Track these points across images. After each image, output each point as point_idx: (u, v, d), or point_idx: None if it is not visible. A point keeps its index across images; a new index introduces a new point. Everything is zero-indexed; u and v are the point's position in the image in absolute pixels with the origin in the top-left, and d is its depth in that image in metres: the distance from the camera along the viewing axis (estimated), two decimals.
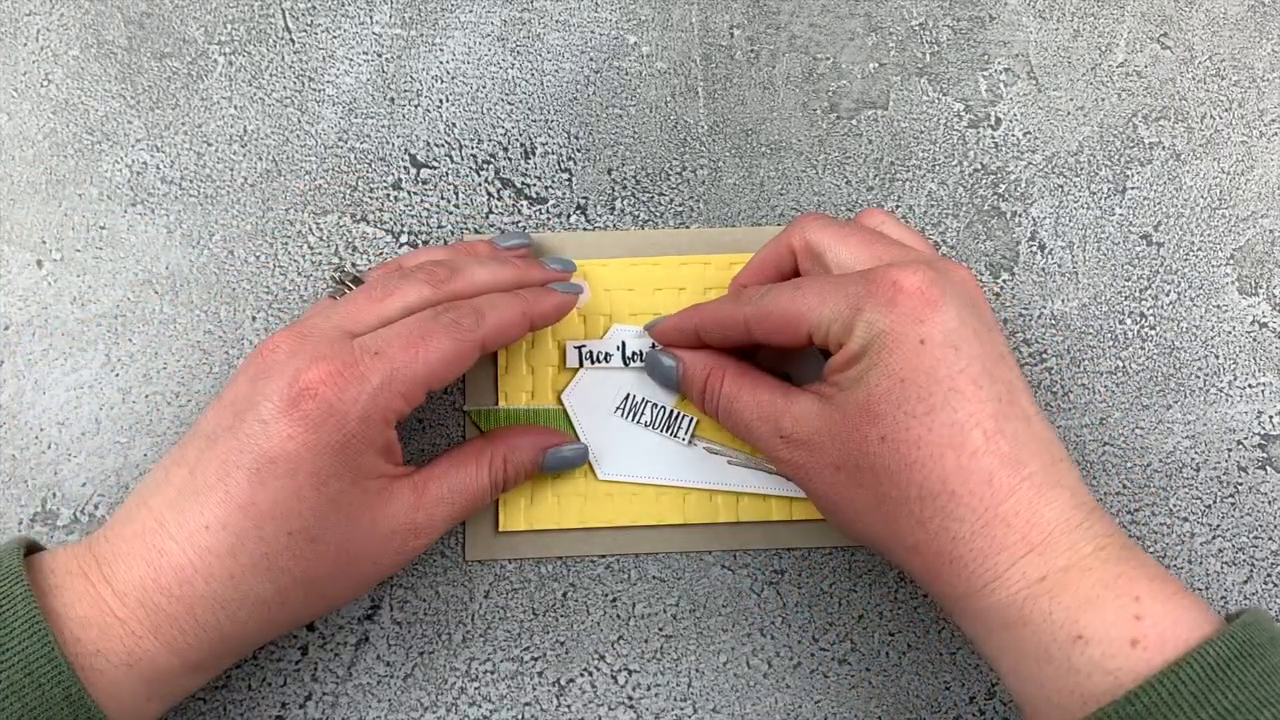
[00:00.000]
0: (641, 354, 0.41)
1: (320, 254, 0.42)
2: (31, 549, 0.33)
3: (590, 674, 0.40)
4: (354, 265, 0.42)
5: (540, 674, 0.40)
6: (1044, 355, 0.43)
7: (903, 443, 0.30)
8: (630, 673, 0.40)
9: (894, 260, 0.33)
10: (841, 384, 0.32)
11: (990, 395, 0.31)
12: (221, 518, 0.31)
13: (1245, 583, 0.41)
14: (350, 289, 0.37)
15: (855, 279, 0.33)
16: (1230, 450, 0.42)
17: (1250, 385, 0.42)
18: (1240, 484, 0.42)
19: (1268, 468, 0.42)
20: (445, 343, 0.33)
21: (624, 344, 0.41)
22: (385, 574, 0.35)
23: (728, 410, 0.36)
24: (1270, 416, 0.42)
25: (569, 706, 0.39)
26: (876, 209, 0.38)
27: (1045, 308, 0.43)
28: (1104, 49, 0.45)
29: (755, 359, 0.39)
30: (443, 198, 0.43)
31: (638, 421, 0.41)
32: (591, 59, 0.45)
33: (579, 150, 0.44)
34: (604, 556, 0.40)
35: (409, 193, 0.43)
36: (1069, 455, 0.32)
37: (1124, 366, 0.42)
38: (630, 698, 0.39)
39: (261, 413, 0.31)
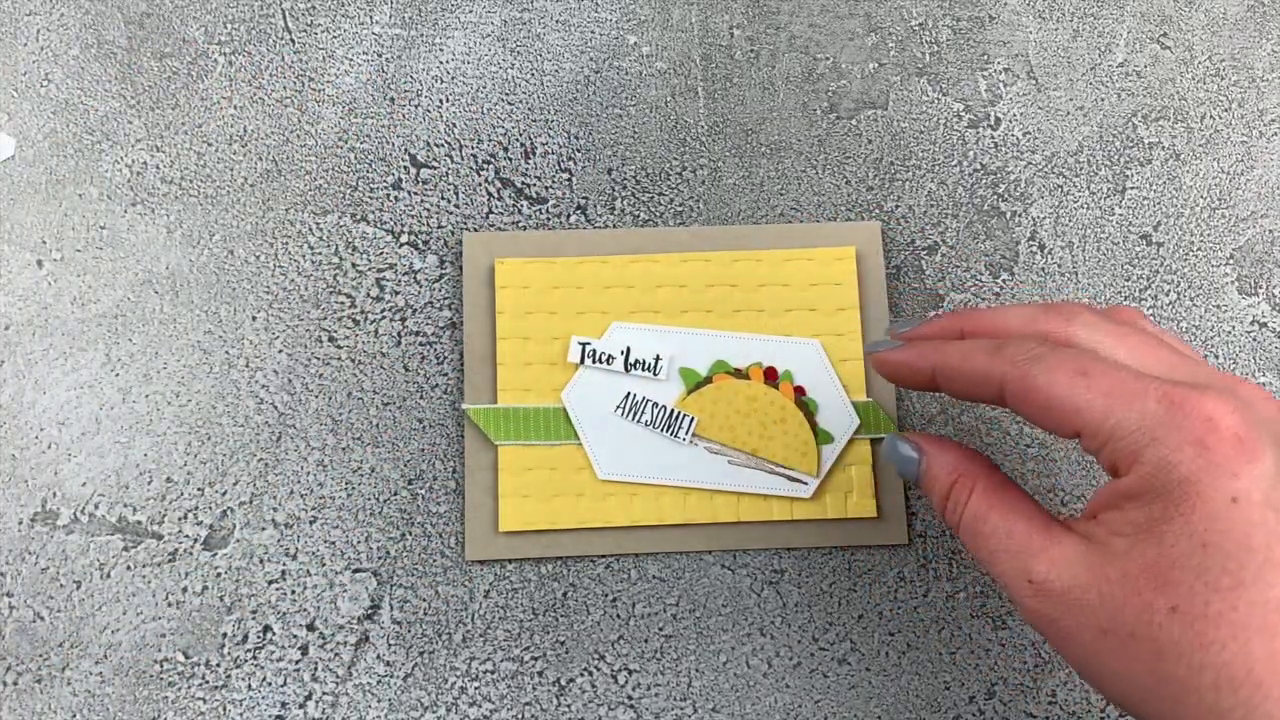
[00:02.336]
0: (644, 363, 0.41)
1: (320, 254, 0.42)
2: None
3: (590, 674, 0.40)
4: None
5: (540, 674, 0.40)
6: None
7: (1199, 618, 0.25)
8: (630, 672, 0.40)
9: (1195, 380, 0.28)
10: (1118, 528, 0.27)
11: None
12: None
13: None
14: None
15: (1152, 394, 0.27)
16: None
17: None
18: None
19: None
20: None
21: (628, 349, 0.41)
22: None
23: (971, 531, 0.31)
24: None
25: (569, 706, 0.39)
26: (1129, 307, 0.33)
27: None
28: (1104, 49, 0.45)
29: None
30: (443, 198, 0.43)
31: (638, 421, 0.41)
32: (591, 59, 0.45)
33: (579, 150, 0.44)
34: (604, 556, 0.40)
35: (409, 193, 0.43)
36: None
37: None
38: (630, 697, 0.39)
39: None
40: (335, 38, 0.44)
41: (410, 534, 0.40)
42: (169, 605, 0.39)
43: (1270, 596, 0.25)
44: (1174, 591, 0.26)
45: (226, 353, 0.41)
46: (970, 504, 0.31)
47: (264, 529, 0.40)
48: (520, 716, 0.39)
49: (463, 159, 0.43)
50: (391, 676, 0.39)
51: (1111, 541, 0.27)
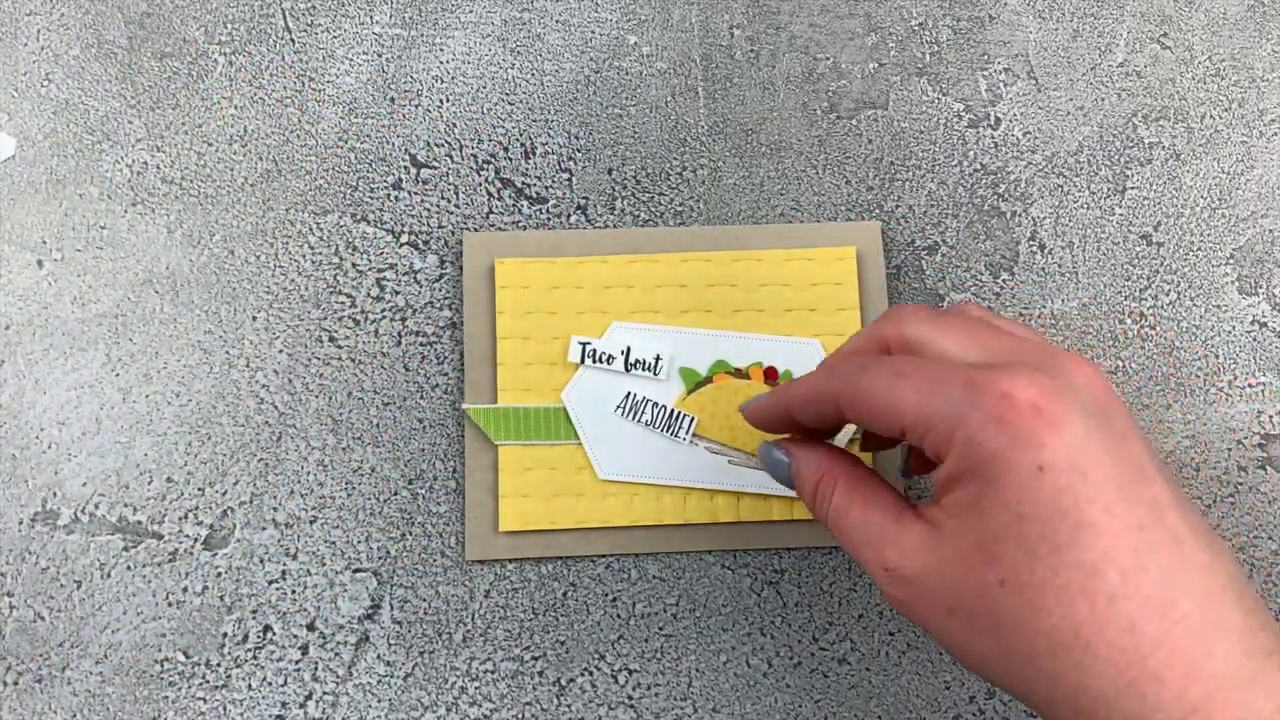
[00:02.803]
0: (644, 363, 0.41)
1: (320, 254, 0.42)
2: None
3: (590, 674, 0.40)
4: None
5: (540, 674, 0.40)
6: None
7: (1026, 587, 0.26)
8: (630, 672, 0.40)
9: (1002, 360, 0.29)
10: (951, 510, 0.28)
11: (1128, 523, 0.26)
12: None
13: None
14: None
15: (957, 380, 0.28)
16: (1230, 450, 0.42)
17: (1250, 385, 0.42)
18: (1240, 484, 0.42)
19: (1268, 468, 0.42)
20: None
21: (628, 349, 0.41)
22: None
23: (835, 525, 0.32)
24: (1270, 416, 0.42)
25: (569, 706, 0.39)
26: (972, 303, 0.33)
27: (1045, 308, 0.43)
28: (1104, 49, 0.45)
29: None
30: (443, 198, 0.43)
31: (638, 421, 0.41)
32: (591, 59, 0.45)
33: (579, 150, 0.44)
34: (604, 556, 0.40)
35: (409, 193, 0.43)
36: (1241, 573, 0.27)
37: (1124, 366, 0.42)
38: (630, 697, 0.39)
39: None
40: (335, 38, 0.44)
41: (410, 534, 0.40)
42: (169, 605, 0.39)
43: (1086, 559, 0.26)
44: (1000, 564, 0.27)
45: (227, 353, 0.41)
46: (834, 501, 0.32)
47: (264, 529, 0.40)
48: (520, 716, 0.39)
49: (463, 159, 0.43)
50: (391, 676, 0.39)
51: (947, 523, 0.28)
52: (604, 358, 0.41)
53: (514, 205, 0.43)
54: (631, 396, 0.41)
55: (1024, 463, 0.26)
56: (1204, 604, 0.26)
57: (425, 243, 0.43)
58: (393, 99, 0.44)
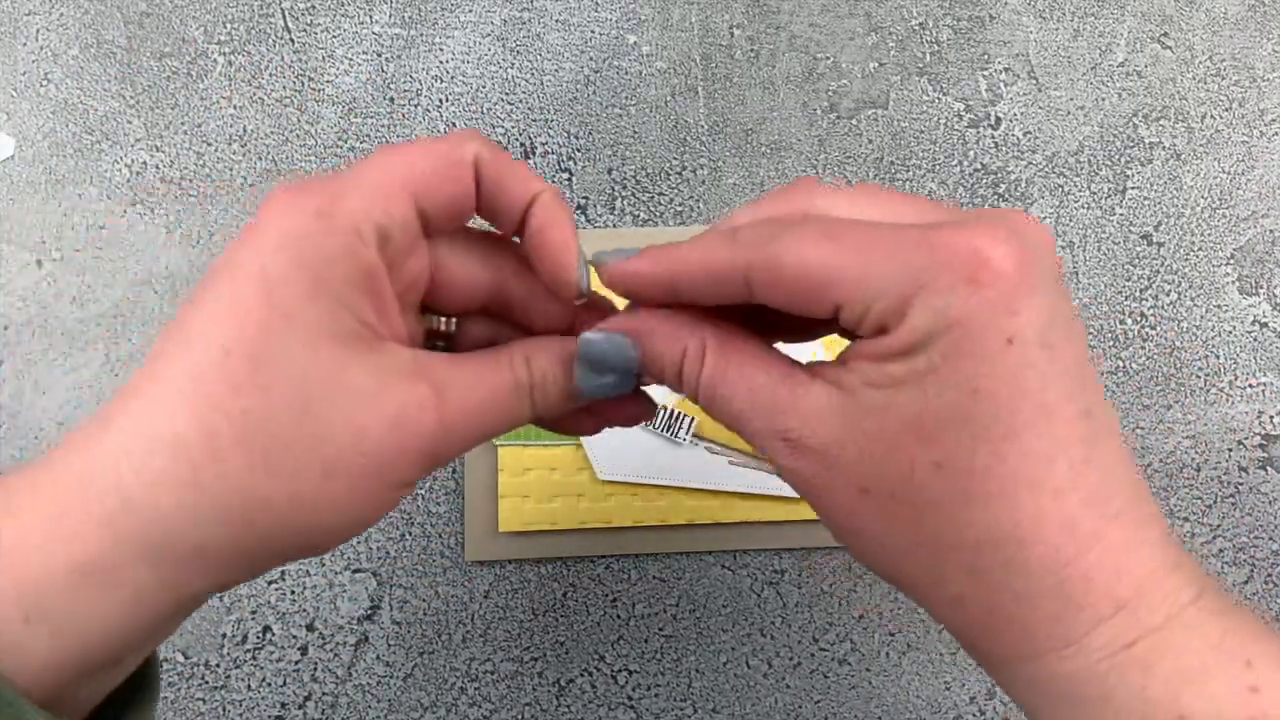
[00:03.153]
0: None
1: None
2: None
3: (590, 674, 0.40)
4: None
5: (540, 674, 0.40)
6: None
7: (964, 473, 0.23)
8: (630, 673, 0.40)
9: (959, 220, 0.24)
10: (874, 379, 0.24)
11: (1081, 410, 0.23)
12: (157, 344, 0.23)
13: (1246, 583, 0.41)
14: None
15: (910, 238, 0.23)
16: (1231, 450, 0.42)
17: (1251, 385, 0.42)
18: (1241, 484, 0.42)
19: (1268, 468, 0.42)
20: (432, 147, 0.25)
21: None
22: (379, 467, 0.24)
23: (710, 397, 0.26)
24: (1271, 416, 0.42)
25: (569, 707, 0.39)
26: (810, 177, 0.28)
27: None
28: (1104, 49, 0.45)
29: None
30: None
31: None
32: (591, 59, 0.44)
33: (579, 150, 0.44)
34: (604, 557, 0.40)
35: None
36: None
37: (1124, 366, 0.42)
38: (630, 698, 0.39)
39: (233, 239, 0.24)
40: (335, 37, 0.44)
41: (410, 534, 0.40)
42: None
43: (1038, 448, 0.23)
44: (938, 446, 0.23)
45: None
46: (705, 370, 0.26)
47: None
48: (520, 717, 0.39)
49: None
50: (391, 677, 0.39)
51: (866, 394, 0.24)
52: None
53: None
54: None
55: (995, 331, 0.23)
56: (1134, 500, 0.24)
57: None
58: (392, 99, 0.44)
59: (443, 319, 0.28)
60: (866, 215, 0.25)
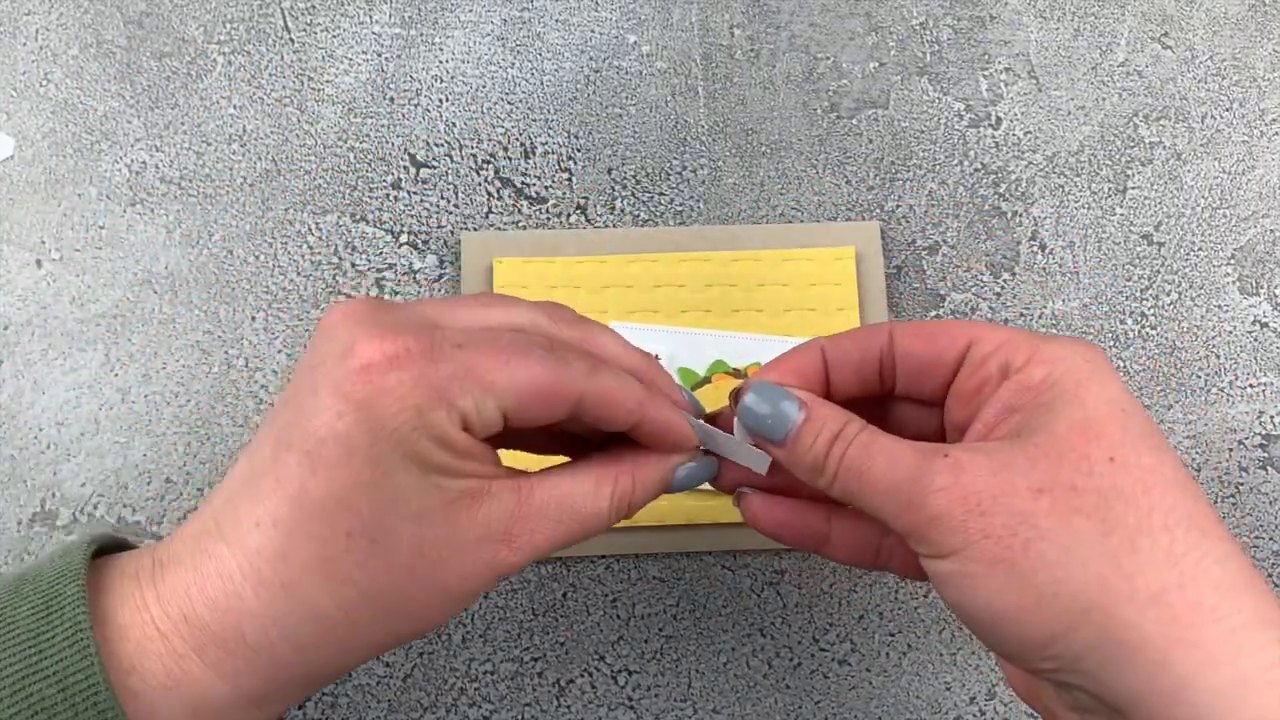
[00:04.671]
0: None
1: (320, 254, 0.42)
2: (117, 546, 0.29)
3: (590, 674, 0.40)
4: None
5: (540, 674, 0.39)
6: None
7: (1137, 466, 0.26)
8: (630, 673, 0.40)
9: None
10: (1024, 421, 0.27)
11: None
12: (272, 512, 0.26)
13: None
14: None
15: (1020, 332, 0.29)
16: (1231, 450, 0.42)
17: (1251, 385, 0.42)
18: (1241, 484, 0.42)
19: (1269, 468, 0.42)
20: (540, 369, 0.27)
21: None
22: (475, 591, 0.28)
23: (850, 482, 0.28)
24: (1271, 416, 0.42)
25: (569, 707, 0.39)
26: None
27: (1046, 308, 0.43)
28: (1105, 49, 0.45)
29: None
30: (443, 197, 0.43)
31: None
32: (591, 59, 0.44)
33: (579, 150, 0.44)
34: (604, 557, 0.40)
35: (409, 192, 0.43)
36: None
37: (1125, 366, 0.42)
38: (630, 698, 0.39)
39: (314, 383, 0.26)
40: (335, 37, 0.44)
41: None
42: None
43: (1177, 459, 0.27)
44: (1108, 442, 0.26)
45: (226, 353, 0.41)
46: (854, 445, 0.28)
47: None
48: (520, 717, 0.39)
49: (462, 159, 0.43)
50: (391, 677, 0.39)
51: (1028, 423, 0.27)
52: None
53: (513, 205, 0.43)
54: None
55: (1110, 378, 0.27)
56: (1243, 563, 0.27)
57: (424, 242, 0.43)
58: (392, 99, 0.44)
59: None
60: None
